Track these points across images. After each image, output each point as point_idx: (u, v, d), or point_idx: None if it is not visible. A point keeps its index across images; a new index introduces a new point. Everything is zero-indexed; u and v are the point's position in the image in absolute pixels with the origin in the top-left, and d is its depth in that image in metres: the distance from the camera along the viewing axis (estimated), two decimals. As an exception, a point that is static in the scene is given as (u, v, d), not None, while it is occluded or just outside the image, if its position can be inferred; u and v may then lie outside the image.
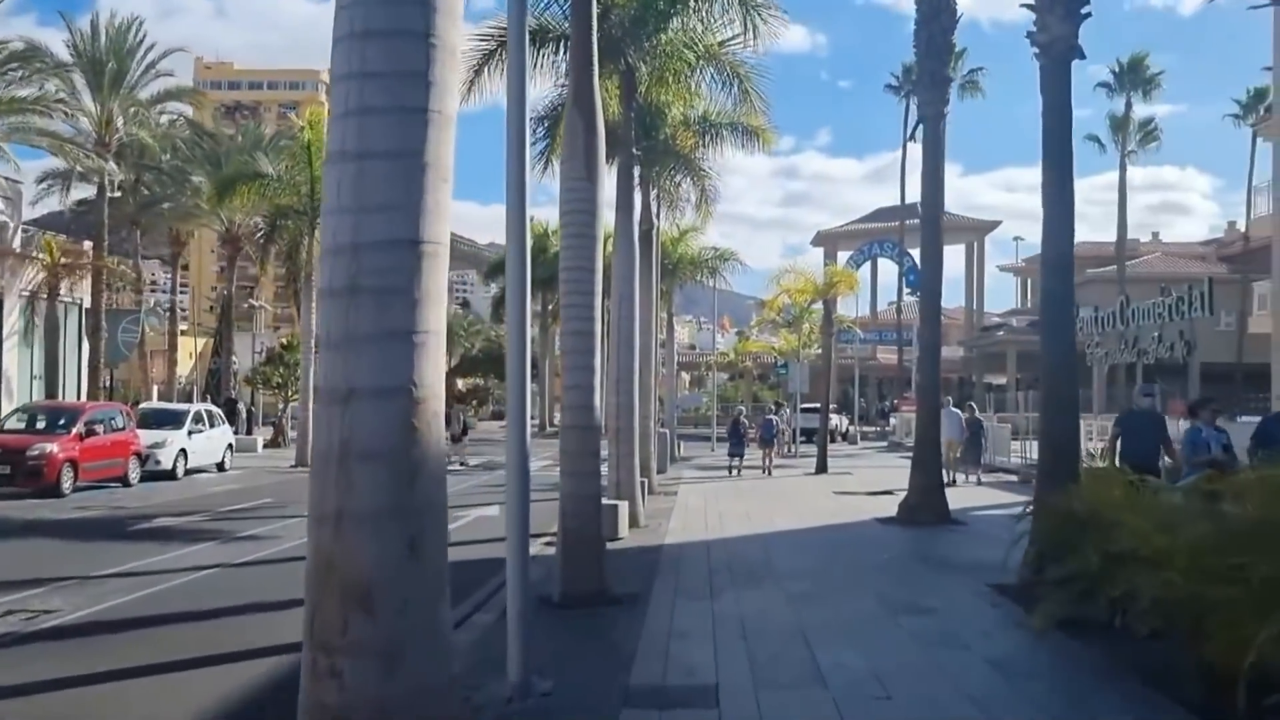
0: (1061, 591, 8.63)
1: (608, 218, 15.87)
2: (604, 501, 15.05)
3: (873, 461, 33.50)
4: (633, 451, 15.99)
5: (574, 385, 9.77)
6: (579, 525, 9.69)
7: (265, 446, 37.53)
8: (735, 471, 27.04)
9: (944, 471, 22.89)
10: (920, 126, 16.79)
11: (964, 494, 21.07)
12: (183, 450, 24.58)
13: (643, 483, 18.67)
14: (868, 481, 25.31)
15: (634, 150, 16.57)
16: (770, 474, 27.57)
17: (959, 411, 26.07)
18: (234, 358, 51.04)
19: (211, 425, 26.76)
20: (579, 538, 9.67)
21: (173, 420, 25.41)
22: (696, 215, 22.82)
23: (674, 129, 21.14)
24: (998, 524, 16.28)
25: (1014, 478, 25.84)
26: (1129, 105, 51.78)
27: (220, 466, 26.90)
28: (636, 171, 21.93)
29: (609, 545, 13.76)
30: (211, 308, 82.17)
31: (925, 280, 17.12)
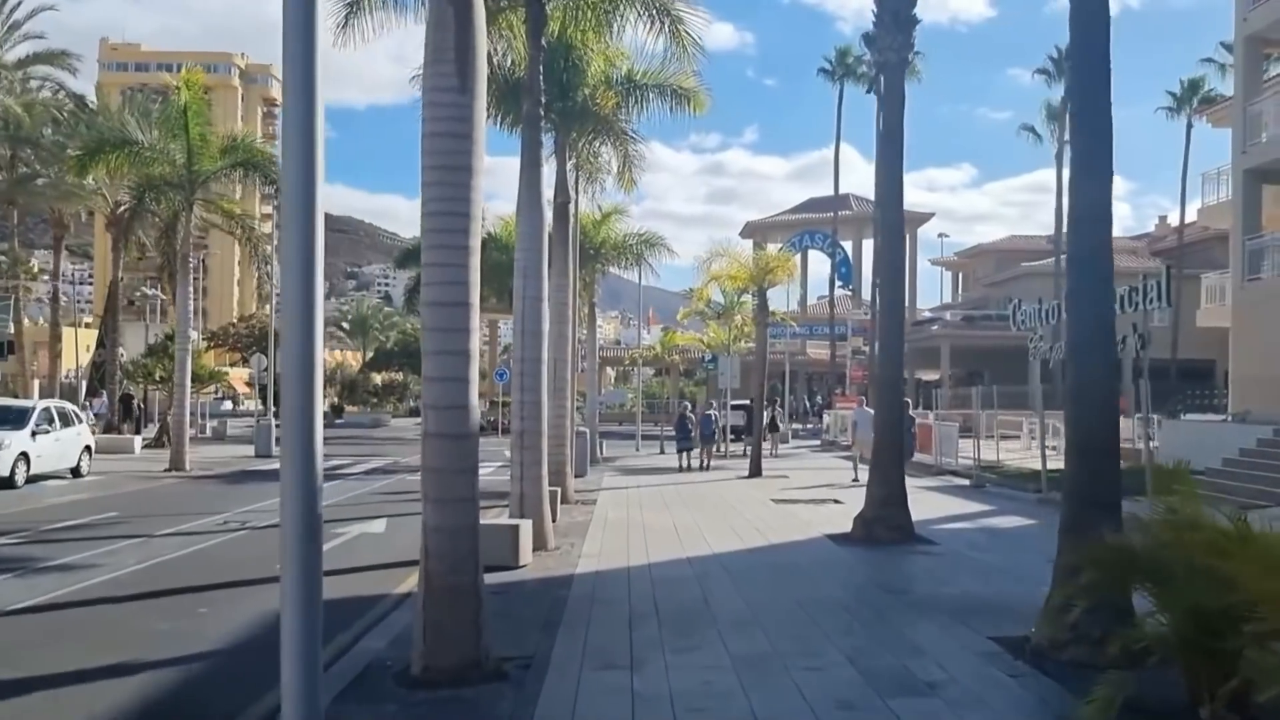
0: (1123, 663, 6.15)
1: (498, 173, 13.23)
2: (503, 521, 12.35)
3: (808, 462, 31.18)
4: (540, 459, 13.28)
5: (439, 377, 7.01)
6: (447, 571, 6.96)
7: (147, 447, 33.97)
8: (683, 466, 27.05)
9: (854, 469, 24.17)
10: (879, 78, 14.30)
11: (916, 503, 18.76)
12: (24, 454, 21.12)
13: (555, 492, 16.02)
14: (808, 486, 22.92)
15: (542, 98, 13.84)
16: (708, 468, 27.65)
17: (871, 411, 24.85)
18: (121, 350, 47.17)
19: (65, 424, 23.33)
20: (448, 588, 6.94)
21: (14, 419, 21.88)
22: (619, 184, 20.15)
23: (593, 88, 18.49)
24: (971, 542, 13.93)
25: (965, 481, 23.65)
26: (1068, 93, 50.32)
27: (76, 472, 23.48)
28: (553, 138, 19.35)
29: (507, 576, 11.09)
30: (129, 301, 77.60)
31: (886, 258, 14.63)
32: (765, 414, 29.60)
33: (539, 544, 12.76)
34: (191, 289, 26.47)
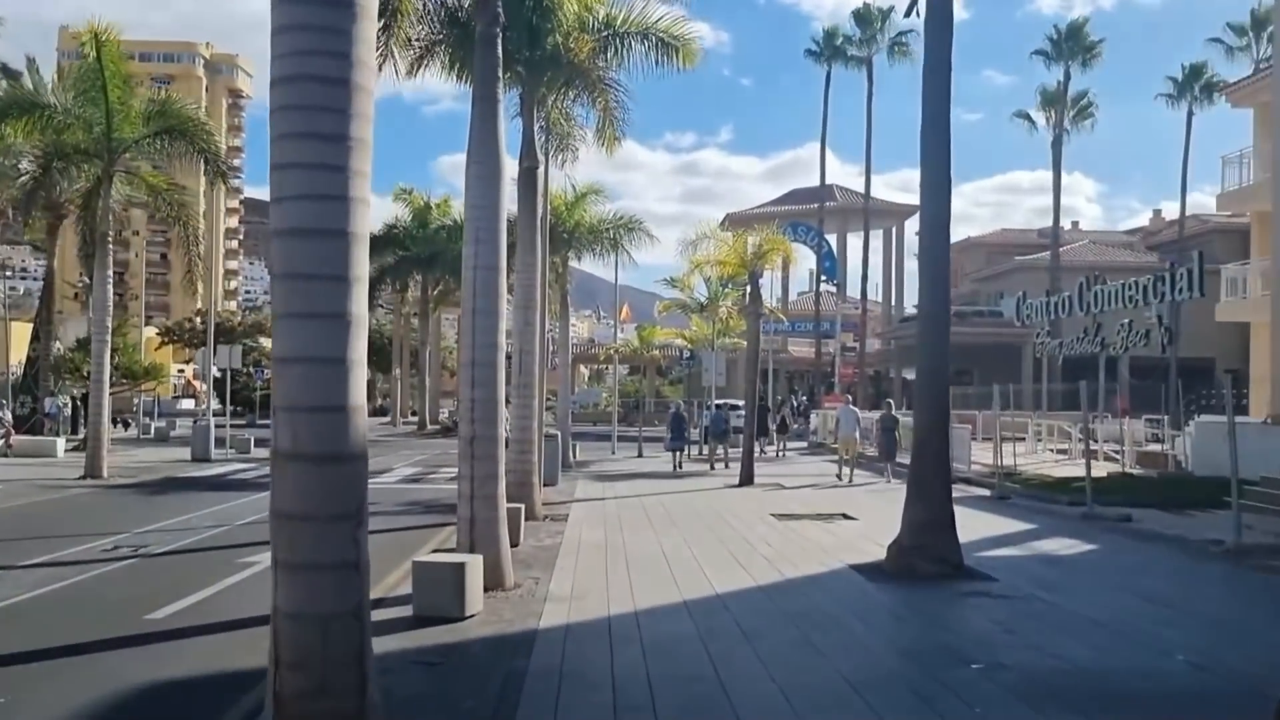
0: None
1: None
2: (444, 558, 9.54)
3: (799, 468, 28.43)
4: (496, 473, 10.43)
5: (296, 358, 4.16)
6: (312, 689, 4.09)
7: (73, 450, 30.78)
8: (678, 466, 26.15)
9: (839, 469, 23.84)
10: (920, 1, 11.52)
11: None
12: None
13: (518, 510, 13.23)
14: (807, 497, 20.19)
15: (500, 14, 10.97)
16: (716, 467, 26.85)
17: (856, 409, 26.26)
18: (56, 344, 43.89)
19: (-46, 426, 20.27)
20: (312, 717, 4.07)
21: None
22: (599, 141, 17.22)
23: (566, 34, 15.69)
24: (1035, 577, 11.12)
25: (984, 492, 20.96)
26: (1067, 75, 47.92)
27: (-33, 480, 20.44)
28: (518, 94, 16.64)
29: (447, 634, 8.26)
30: (75, 294, 73.94)
31: (930, 213, 11.70)
32: (777, 413, 28.92)
33: (493, 582, 9.94)
34: (110, 273, 23.35)
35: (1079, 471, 25.25)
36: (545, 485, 19.97)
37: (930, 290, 11.57)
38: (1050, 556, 12.82)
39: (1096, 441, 30.63)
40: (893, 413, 25.60)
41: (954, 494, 21.08)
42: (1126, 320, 25.99)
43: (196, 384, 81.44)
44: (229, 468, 26.60)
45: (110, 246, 23.38)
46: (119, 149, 22.75)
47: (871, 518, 16.57)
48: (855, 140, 60.14)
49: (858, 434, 24.90)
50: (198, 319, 77.77)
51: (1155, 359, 46.58)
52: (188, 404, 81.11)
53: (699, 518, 16.63)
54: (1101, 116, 50.08)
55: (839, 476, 23.26)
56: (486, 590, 9.63)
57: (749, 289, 23.69)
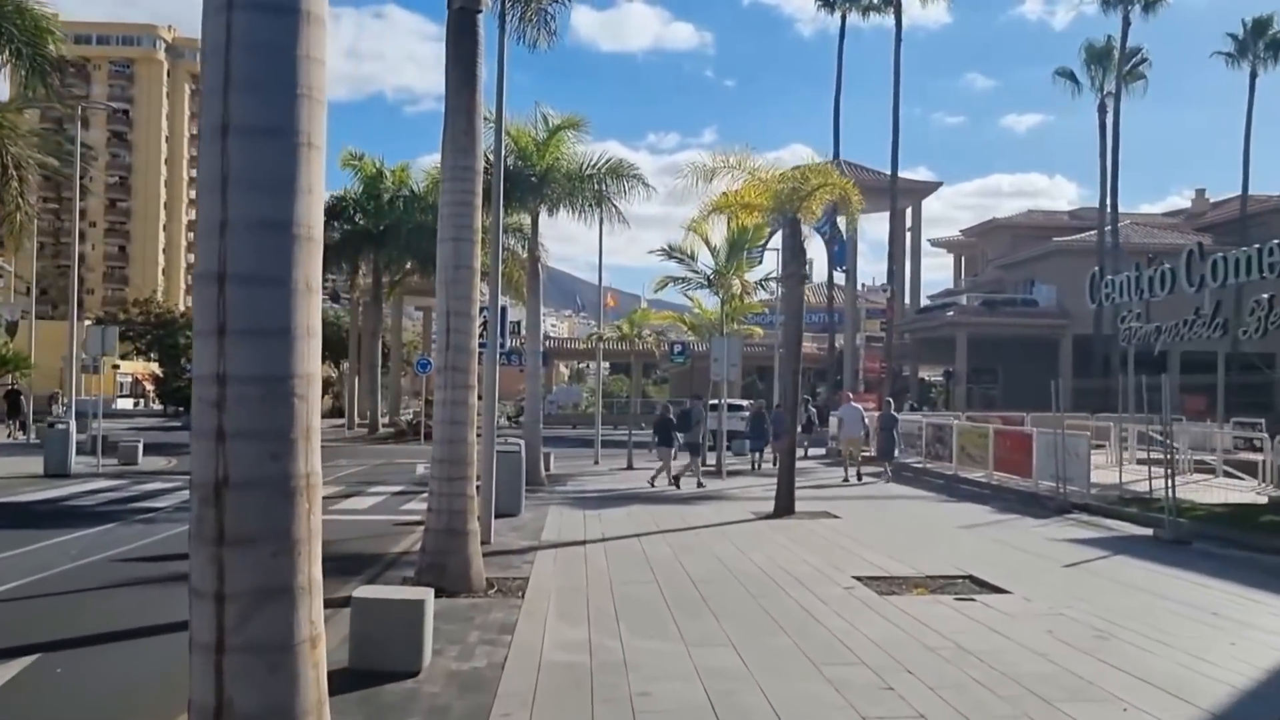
0: None
1: None
2: None
3: (828, 485, 21.85)
4: (292, 584, 3.74)
5: None
6: None
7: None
8: (756, 466, 25.62)
9: (845, 471, 22.84)
10: None
11: (1140, 605, 9.65)
12: None
13: (418, 604, 6.67)
14: (881, 534, 13.73)
15: None
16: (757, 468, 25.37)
17: (860, 407, 25.53)
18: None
19: None
20: None
21: None
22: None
23: None
24: None
25: (1138, 530, 14.51)
26: (1126, 22, 41.51)
27: None
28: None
29: None
30: (28, 289, 66.77)
31: None
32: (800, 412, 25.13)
33: None
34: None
35: (1221, 495, 19.05)
36: (501, 517, 13.58)
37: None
38: None
39: (1183, 451, 24.28)
40: (892, 411, 25.22)
41: (1087, 533, 14.76)
42: (1266, 295, 19.72)
43: (145, 381, 74.23)
44: (80, 487, 19.86)
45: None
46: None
47: (1020, 585, 10.11)
48: (831, 134, 54.27)
49: (863, 433, 24.17)
50: (134, 310, 70.66)
51: (1211, 354, 40.34)
52: (127, 403, 73.80)
53: (744, 588, 10.06)
54: (1080, 119, 44.31)
55: (845, 479, 22.45)
56: None
57: (789, 242, 16.99)
